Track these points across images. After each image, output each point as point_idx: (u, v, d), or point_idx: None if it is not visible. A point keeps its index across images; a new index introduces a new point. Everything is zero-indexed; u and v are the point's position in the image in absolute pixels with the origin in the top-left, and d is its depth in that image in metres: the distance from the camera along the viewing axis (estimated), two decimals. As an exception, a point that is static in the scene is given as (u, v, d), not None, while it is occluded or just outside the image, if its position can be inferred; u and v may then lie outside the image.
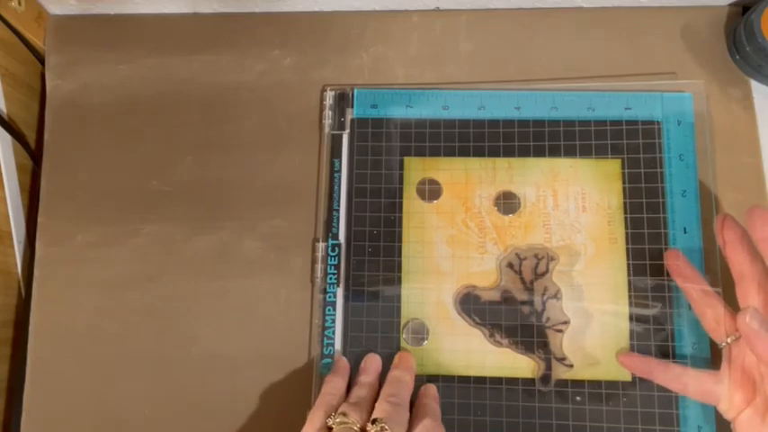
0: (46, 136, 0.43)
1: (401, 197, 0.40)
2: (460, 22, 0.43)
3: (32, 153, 0.44)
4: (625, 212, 0.39)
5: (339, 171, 0.41)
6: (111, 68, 0.44)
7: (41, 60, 0.45)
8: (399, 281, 0.39)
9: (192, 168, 0.42)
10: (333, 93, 0.42)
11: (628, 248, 0.38)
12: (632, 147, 0.40)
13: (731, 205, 0.39)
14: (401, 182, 0.40)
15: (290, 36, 0.44)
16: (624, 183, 0.39)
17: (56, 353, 0.40)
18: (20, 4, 0.42)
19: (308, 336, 0.39)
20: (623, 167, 0.39)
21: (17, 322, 0.42)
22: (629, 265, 0.38)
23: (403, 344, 0.38)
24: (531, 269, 0.39)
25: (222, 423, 0.39)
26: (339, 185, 0.40)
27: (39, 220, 0.42)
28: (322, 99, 0.42)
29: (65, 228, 0.42)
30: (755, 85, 0.41)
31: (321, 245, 0.40)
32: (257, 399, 0.39)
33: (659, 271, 0.38)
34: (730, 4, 0.42)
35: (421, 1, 0.43)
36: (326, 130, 0.41)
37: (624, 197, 0.39)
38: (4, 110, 0.42)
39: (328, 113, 0.42)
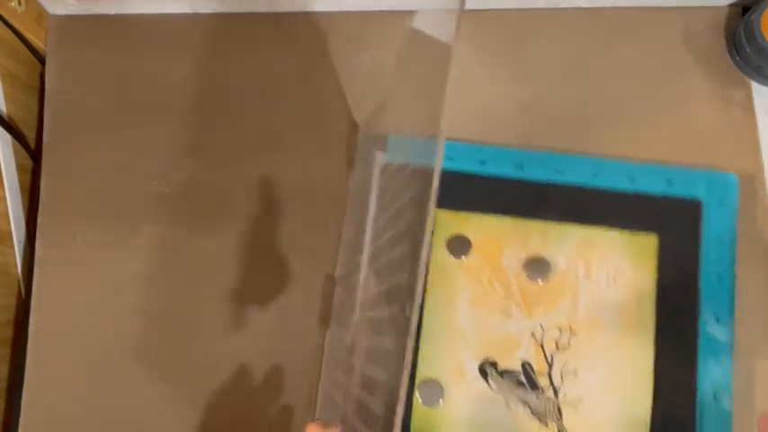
0: (46, 136, 0.43)
1: (429, 249, 0.38)
2: (460, 23, 0.43)
3: (32, 153, 0.44)
4: (657, 292, 0.37)
5: (367, 214, 0.39)
6: (111, 68, 0.44)
7: (41, 60, 0.45)
8: (418, 336, 0.37)
9: (192, 169, 0.42)
10: (367, 135, 0.40)
11: (656, 330, 0.37)
12: (670, 223, 0.38)
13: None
14: (431, 234, 0.38)
15: (290, 36, 0.44)
16: (659, 260, 0.38)
17: (55, 353, 0.40)
18: (20, 4, 0.42)
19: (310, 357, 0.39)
20: (659, 244, 0.38)
21: (17, 322, 0.42)
22: (655, 347, 0.36)
23: (416, 403, 0.37)
24: (552, 342, 0.37)
25: (221, 424, 0.39)
26: (365, 228, 0.39)
27: (39, 220, 0.42)
28: (350, 138, 0.41)
29: (65, 228, 0.42)
30: (755, 86, 0.41)
31: (338, 289, 0.38)
32: (257, 401, 0.39)
33: (686, 358, 0.36)
34: (730, 5, 0.42)
35: (421, 1, 0.43)
36: (359, 172, 0.40)
37: (657, 275, 0.37)
38: (4, 110, 0.42)
39: (361, 155, 0.40)
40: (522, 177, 0.39)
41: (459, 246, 0.39)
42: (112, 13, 0.45)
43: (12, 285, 0.41)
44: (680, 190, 0.39)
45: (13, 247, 0.41)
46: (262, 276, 0.40)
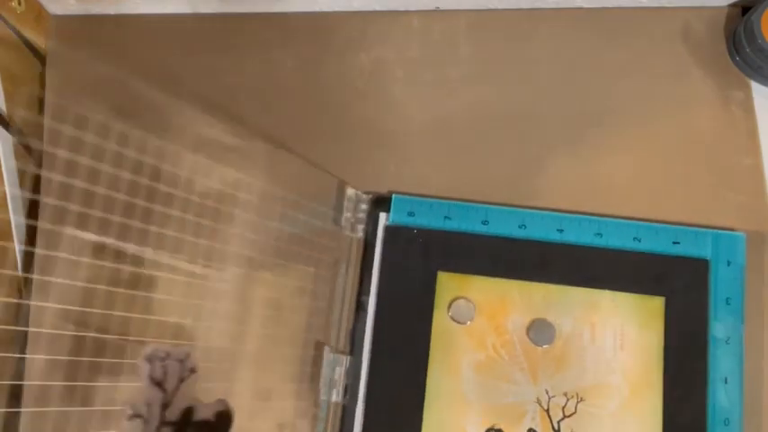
0: (46, 136, 0.43)
1: (431, 314, 0.38)
2: (460, 23, 0.43)
3: (32, 153, 0.44)
4: (664, 355, 0.37)
5: (370, 280, 0.39)
6: (111, 68, 0.44)
7: (41, 60, 0.45)
8: (422, 406, 0.37)
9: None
10: (369, 196, 0.40)
11: (664, 395, 0.36)
12: (677, 285, 0.37)
13: (731, 207, 0.39)
14: (433, 298, 0.38)
15: (290, 36, 0.44)
16: (666, 322, 0.37)
17: (55, 352, 0.40)
18: (20, 3, 0.42)
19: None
20: (666, 305, 0.37)
21: (17, 322, 0.42)
22: (664, 413, 0.36)
23: None
24: (559, 408, 0.37)
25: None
26: (368, 296, 0.39)
27: (38, 220, 0.42)
28: (340, 196, 0.40)
29: (65, 228, 0.42)
30: (755, 87, 0.41)
31: (344, 358, 0.38)
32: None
33: (695, 424, 0.35)
34: (730, 5, 0.42)
35: (421, 1, 0.43)
36: (359, 235, 0.40)
37: (664, 338, 0.37)
38: (4, 110, 0.42)
39: (359, 217, 0.40)
40: (525, 237, 0.39)
41: (463, 309, 0.38)
42: (112, 13, 0.45)
43: (12, 285, 0.42)
44: (687, 250, 0.38)
45: (13, 247, 0.41)
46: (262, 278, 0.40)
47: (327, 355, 0.38)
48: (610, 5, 0.43)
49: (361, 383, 0.38)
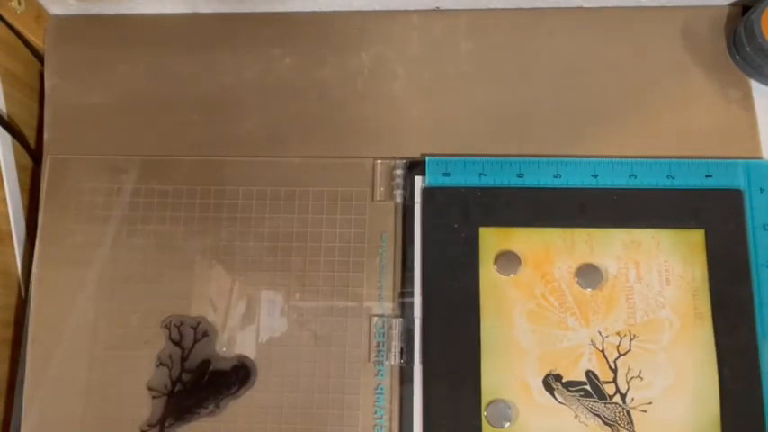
0: (46, 135, 0.43)
1: (478, 270, 0.38)
2: (460, 22, 0.43)
3: (32, 153, 0.44)
4: (710, 285, 0.37)
5: (413, 244, 0.39)
6: (111, 68, 0.44)
7: (41, 60, 0.45)
8: (479, 360, 0.37)
9: (192, 168, 0.42)
10: (404, 162, 0.40)
11: (714, 323, 0.37)
12: (714, 216, 0.38)
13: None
14: (477, 254, 0.39)
15: (289, 36, 0.44)
16: (708, 254, 0.38)
17: (55, 352, 0.40)
18: (20, 3, 0.42)
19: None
20: (706, 237, 0.38)
21: (17, 322, 0.42)
22: (716, 341, 0.37)
23: (484, 424, 0.36)
24: (613, 347, 0.37)
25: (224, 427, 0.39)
26: (413, 258, 0.39)
27: (39, 219, 0.42)
28: (374, 170, 0.41)
29: (64, 228, 0.42)
30: (755, 86, 0.41)
31: (395, 321, 0.38)
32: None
33: (747, 348, 0.36)
34: (730, 5, 0.42)
35: (421, 1, 0.43)
36: (398, 200, 0.40)
37: (708, 268, 0.38)
38: (4, 110, 0.42)
39: (399, 183, 0.40)
40: (560, 185, 0.39)
41: (508, 262, 0.38)
42: (112, 13, 0.45)
43: (12, 285, 0.42)
44: (720, 182, 0.39)
45: (13, 247, 0.41)
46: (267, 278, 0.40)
47: (378, 320, 0.39)
48: (610, 5, 0.43)
49: (415, 345, 0.38)
